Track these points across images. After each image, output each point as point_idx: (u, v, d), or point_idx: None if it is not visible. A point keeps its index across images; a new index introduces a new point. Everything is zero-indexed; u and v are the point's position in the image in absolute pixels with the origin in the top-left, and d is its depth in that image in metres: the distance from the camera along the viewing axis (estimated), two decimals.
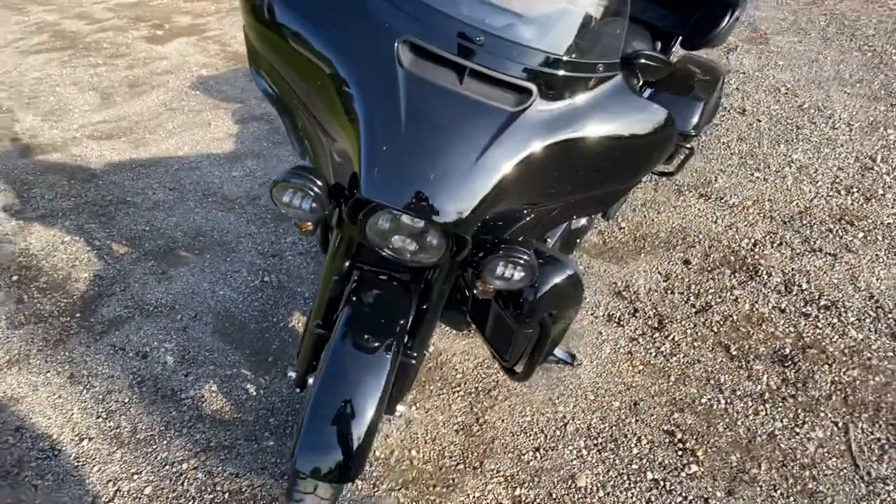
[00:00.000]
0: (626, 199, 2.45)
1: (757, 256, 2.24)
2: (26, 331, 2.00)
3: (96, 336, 1.99)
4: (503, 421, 1.73)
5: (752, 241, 2.31)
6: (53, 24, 6.05)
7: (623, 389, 1.82)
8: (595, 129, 1.08)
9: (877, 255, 2.20)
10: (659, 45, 2.11)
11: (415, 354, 1.33)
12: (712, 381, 1.83)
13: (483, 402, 1.78)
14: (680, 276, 2.20)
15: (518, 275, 1.12)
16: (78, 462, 1.64)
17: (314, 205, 1.04)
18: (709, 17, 1.90)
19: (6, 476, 1.59)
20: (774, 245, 2.28)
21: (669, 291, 2.14)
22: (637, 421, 1.73)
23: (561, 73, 1.04)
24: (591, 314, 2.07)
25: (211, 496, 1.55)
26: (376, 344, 1.19)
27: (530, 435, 1.70)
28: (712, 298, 2.09)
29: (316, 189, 1.02)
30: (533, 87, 1.02)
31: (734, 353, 1.91)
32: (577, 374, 1.86)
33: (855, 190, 2.49)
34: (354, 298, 1.26)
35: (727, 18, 1.84)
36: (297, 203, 1.04)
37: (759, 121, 3.01)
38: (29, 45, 5.38)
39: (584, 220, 1.96)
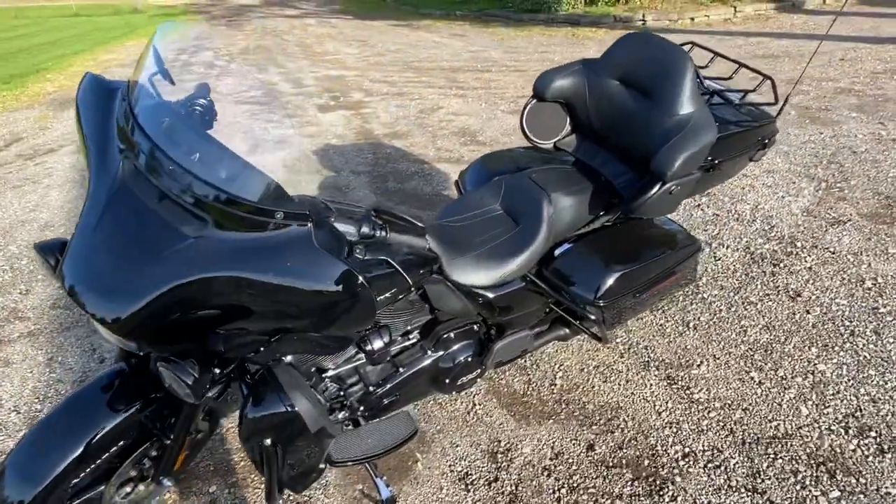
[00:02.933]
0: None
1: (676, 472, 1.84)
2: None
3: None
4: None
5: (686, 451, 1.90)
6: (269, 83, 7.55)
7: None
8: (260, 271, 1.10)
9: None
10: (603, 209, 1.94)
11: None
12: None
13: None
14: (571, 460, 1.90)
15: (176, 387, 1.18)
16: None
17: None
18: (644, 185, 1.74)
19: None
20: (709, 466, 1.85)
21: (547, 473, 1.87)
22: None
23: (237, 211, 1.11)
24: (449, 466, 1.91)
25: None
26: None
27: None
28: (586, 500, 1.77)
29: None
30: (209, 217, 1.11)
31: None
32: None
33: (873, 439, 1.89)
34: None
35: (654, 189, 1.67)
36: None
37: (808, 313, 2.47)
38: (245, 95, 6.77)
39: (461, 358, 1.86)
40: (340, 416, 1.75)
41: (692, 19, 9.53)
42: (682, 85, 1.74)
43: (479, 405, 2.14)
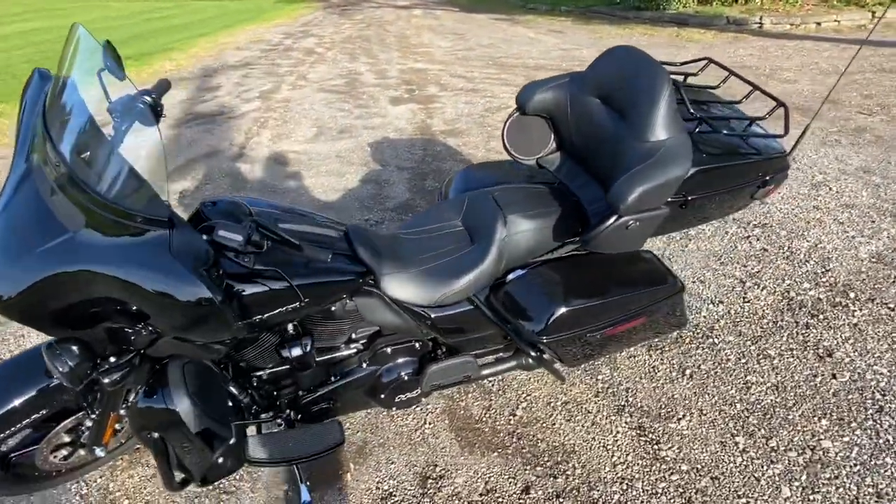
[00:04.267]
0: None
1: None
2: None
3: None
4: None
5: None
6: (355, 73, 7.80)
7: None
8: (120, 272, 1.13)
9: None
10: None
11: None
12: None
13: None
14: (501, 500, 1.79)
15: (53, 371, 1.25)
16: None
17: None
18: (602, 216, 1.60)
19: None
20: None
21: None
22: None
23: (102, 211, 1.15)
24: (377, 482, 1.87)
25: None
26: None
27: None
28: None
29: None
30: (82, 216, 1.16)
31: None
32: None
33: None
34: None
35: (607, 223, 1.53)
36: None
37: (834, 378, 2.12)
38: (329, 84, 7.09)
39: (397, 375, 1.82)
40: (268, 415, 1.77)
41: (818, 24, 8.50)
42: (656, 108, 1.54)
43: (430, 424, 2.07)
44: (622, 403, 2.10)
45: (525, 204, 1.79)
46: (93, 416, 1.58)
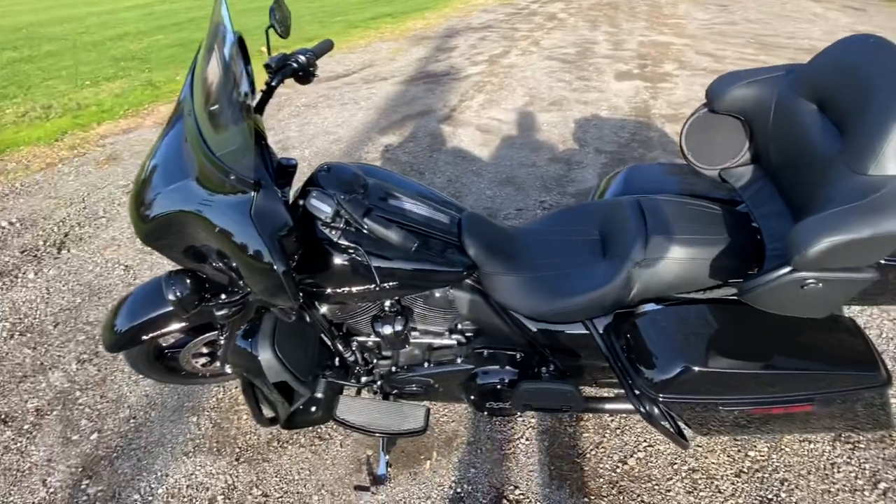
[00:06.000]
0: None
1: None
2: None
3: None
4: None
5: None
6: (590, 42, 7.41)
7: None
8: (214, 222, 1.20)
9: None
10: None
11: None
12: None
13: None
14: None
15: (166, 297, 1.40)
16: None
17: None
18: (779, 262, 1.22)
19: None
20: None
21: None
22: None
23: (209, 164, 1.22)
24: (453, 482, 1.78)
25: None
26: None
27: None
28: None
29: None
30: (196, 165, 1.25)
31: None
32: None
33: None
34: None
35: (774, 274, 1.17)
36: None
37: None
38: (558, 52, 6.85)
39: (489, 381, 1.68)
40: (367, 380, 1.79)
41: None
42: (891, 131, 1.06)
43: (527, 440, 1.89)
44: (769, 497, 1.64)
45: (680, 224, 1.44)
46: (222, 338, 1.77)
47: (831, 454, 1.75)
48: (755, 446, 1.80)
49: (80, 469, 1.84)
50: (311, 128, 4.70)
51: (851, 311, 2.30)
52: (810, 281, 1.12)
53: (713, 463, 1.76)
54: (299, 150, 4.23)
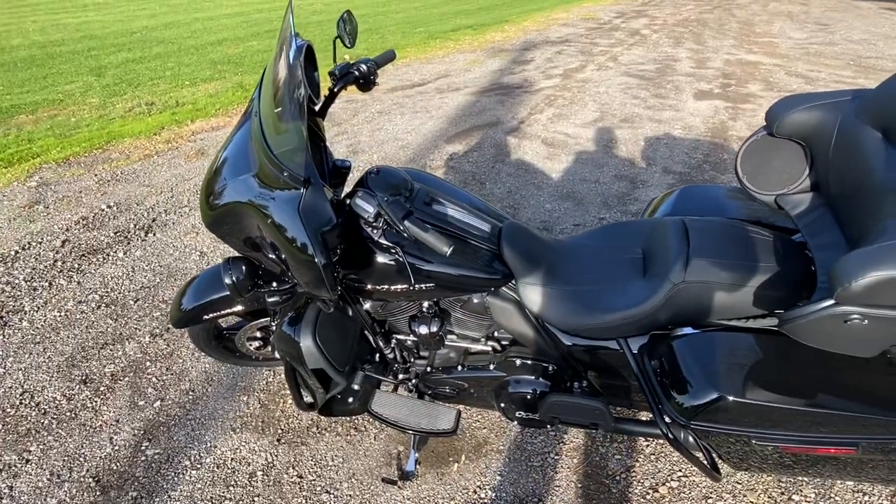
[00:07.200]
0: None
1: None
2: None
3: None
4: None
5: None
6: (672, 59, 7.23)
7: None
8: (269, 215, 1.31)
9: None
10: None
11: None
12: None
13: None
14: None
15: (223, 280, 1.53)
16: None
17: None
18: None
19: None
20: None
21: None
22: None
23: (267, 162, 1.32)
24: (476, 487, 1.81)
25: None
26: None
27: None
28: None
29: None
30: (258, 162, 1.36)
31: None
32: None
33: None
34: None
35: (816, 307, 1.14)
36: None
37: None
38: (637, 68, 6.73)
39: (520, 390, 1.70)
40: (400, 378, 1.86)
41: None
42: None
43: (556, 454, 1.89)
44: None
45: (726, 248, 1.40)
46: (273, 324, 1.90)
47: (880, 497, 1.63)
48: (801, 490, 1.70)
49: (142, 432, 2.02)
50: (382, 133, 4.87)
51: None
52: (854, 316, 1.06)
53: (752, 502, 1.68)
54: (368, 155, 4.40)
